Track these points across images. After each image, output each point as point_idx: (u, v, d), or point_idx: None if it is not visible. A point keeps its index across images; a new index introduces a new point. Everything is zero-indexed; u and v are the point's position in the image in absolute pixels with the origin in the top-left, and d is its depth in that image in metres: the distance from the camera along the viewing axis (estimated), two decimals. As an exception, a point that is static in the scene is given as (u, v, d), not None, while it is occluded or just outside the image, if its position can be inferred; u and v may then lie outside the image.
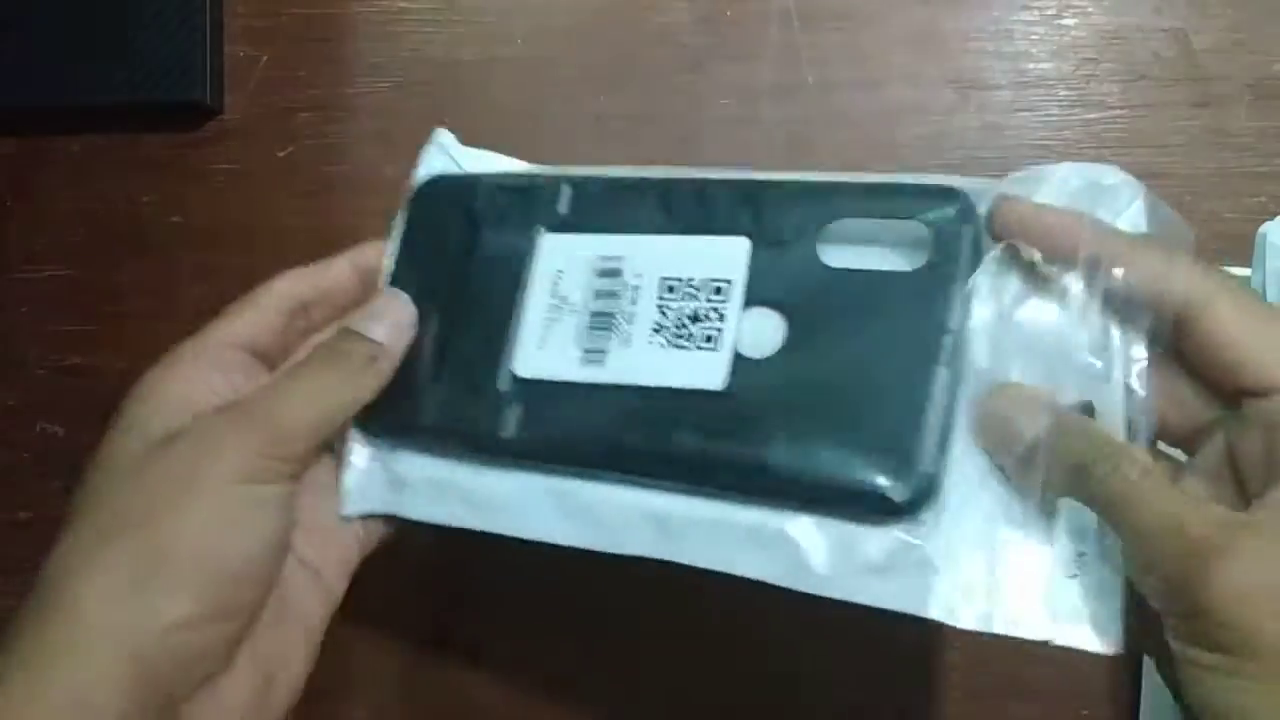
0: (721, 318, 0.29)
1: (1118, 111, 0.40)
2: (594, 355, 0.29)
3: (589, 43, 0.41)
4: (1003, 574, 0.25)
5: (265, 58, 0.42)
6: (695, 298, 0.29)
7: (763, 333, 0.28)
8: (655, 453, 0.28)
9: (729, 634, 0.39)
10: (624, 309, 0.30)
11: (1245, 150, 0.39)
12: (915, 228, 0.27)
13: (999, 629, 0.25)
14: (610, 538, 0.28)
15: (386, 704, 0.40)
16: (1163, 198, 0.39)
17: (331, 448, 0.31)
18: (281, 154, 0.41)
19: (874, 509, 0.26)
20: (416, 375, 0.31)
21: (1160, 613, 0.22)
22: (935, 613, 0.26)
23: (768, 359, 0.28)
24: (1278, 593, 0.20)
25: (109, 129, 0.42)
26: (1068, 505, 0.25)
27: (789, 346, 0.28)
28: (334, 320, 0.31)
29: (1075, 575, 0.25)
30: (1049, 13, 0.40)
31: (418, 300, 0.31)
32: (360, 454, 0.31)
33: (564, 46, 0.41)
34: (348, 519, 0.31)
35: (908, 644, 0.38)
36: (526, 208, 0.31)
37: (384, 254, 0.32)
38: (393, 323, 0.30)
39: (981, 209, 0.27)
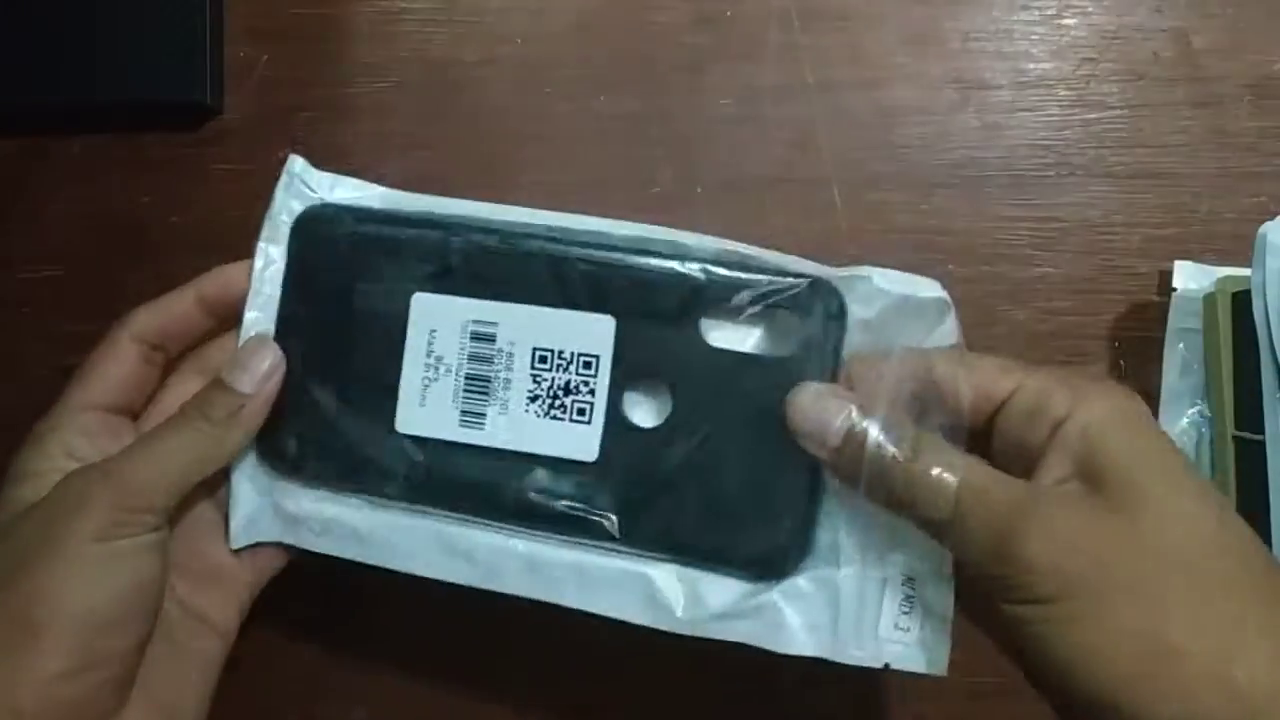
0: (592, 391, 0.31)
1: (1118, 111, 0.40)
2: (472, 418, 0.31)
3: (589, 43, 0.41)
4: (845, 608, 0.29)
5: (265, 58, 0.42)
6: (566, 370, 0.31)
7: (649, 403, 0.31)
8: (530, 509, 0.31)
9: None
10: (499, 374, 0.31)
11: (1245, 150, 0.39)
12: (788, 317, 0.30)
13: (840, 659, 0.29)
14: (486, 576, 0.31)
15: (386, 704, 0.40)
16: (1163, 197, 0.39)
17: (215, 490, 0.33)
18: (281, 154, 0.41)
19: (735, 568, 0.30)
20: (307, 413, 0.32)
21: (985, 588, 0.25)
22: (781, 648, 0.29)
23: (652, 429, 0.31)
24: (1071, 541, 0.24)
25: (109, 129, 0.42)
26: (902, 541, 0.28)
27: (672, 419, 0.31)
28: (190, 350, 0.33)
29: (908, 607, 0.29)
30: (1049, 13, 0.40)
31: (300, 335, 0.32)
32: (248, 490, 0.33)
33: (564, 46, 0.41)
34: (236, 552, 0.33)
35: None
36: (404, 257, 0.32)
37: (244, 281, 0.33)
38: (259, 372, 0.31)
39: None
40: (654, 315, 0.30)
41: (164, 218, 0.41)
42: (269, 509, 0.33)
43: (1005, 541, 0.24)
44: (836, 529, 0.30)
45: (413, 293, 0.32)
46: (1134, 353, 0.38)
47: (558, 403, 0.31)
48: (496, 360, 0.31)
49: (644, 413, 0.31)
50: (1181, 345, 0.37)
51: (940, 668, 0.29)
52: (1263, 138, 0.39)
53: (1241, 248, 0.36)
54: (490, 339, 0.31)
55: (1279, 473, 0.34)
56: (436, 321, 0.31)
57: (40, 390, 0.41)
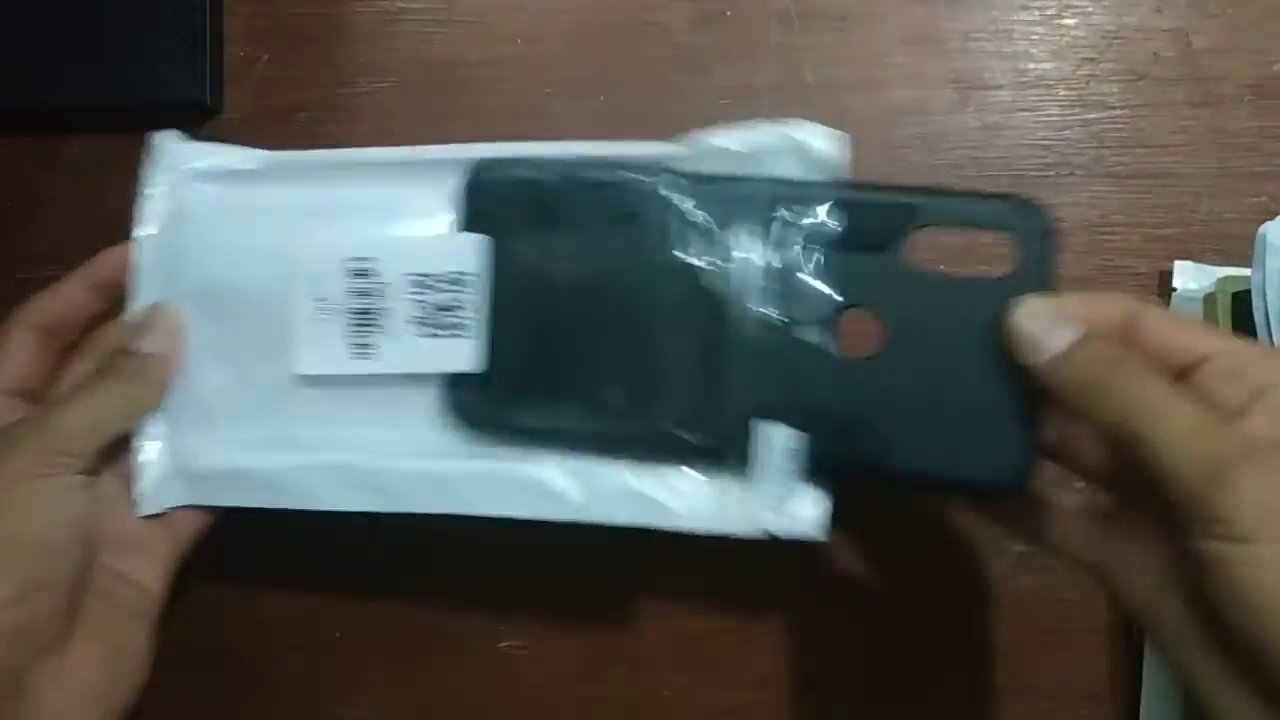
0: (463, 308, 0.32)
1: (1118, 111, 0.40)
2: (363, 350, 0.33)
3: (589, 43, 0.41)
4: (728, 487, 0.31)
5: (265, 58, 0.42)
6: (440, 290, 0.32)
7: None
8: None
9: (732, 638, 0.39)
10: (380, 306, 0.33)
11: (1245, 150, 0.39)
12: (1000, 239, 0.30)
13: (720, 530, 0.30)
14: (398, 501, 0.32)
15: (386, 703, 0.40)
16: (1163, 198, 0.39)
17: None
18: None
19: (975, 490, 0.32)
20: (204, 372, 0.34)
21: (1184, 520, 0.25)
22: (667, 524, 0.31)
23: (869, 357, 0.31)
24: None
25: (109, 129, 0.42)
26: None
27: (890, 345, 0.30)
28: (88, 334, 0.35)
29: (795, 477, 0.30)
30: (1049, 13, 0.40)
31: (187, 299, 0.34)
32: (149, 454, 0.34)
33: (564, 46, 0.41)
34: (147, 518, 0.34)
35: (908, 643, 0.38)
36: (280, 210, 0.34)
37: (128, 260, 0.34)
38: (160, 332, 0.33)
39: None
40: (861, 246, 0.31)
41: (164, 218, 0.41)
42: (174, 473, 0.34)
43: (1222, 474, 0.24)
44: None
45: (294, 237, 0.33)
46: (1134, 353, 0.38)
47: (436, 320, 0.32)
48: (375, 294, 0.33)
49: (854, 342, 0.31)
50: (1181, 345, 0.37)
51: (822, 533, 0.30)
52: (1263, 138, 0.39)
53: (1241, 248, 0.36)
54: (366, 274, 0.33)
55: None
56: (318, 262, 0.33)
57: (40, 390, 0.41)
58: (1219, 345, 0.26)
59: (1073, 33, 0.40)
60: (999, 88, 0.40)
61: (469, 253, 0.32)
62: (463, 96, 0.41)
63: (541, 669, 0.39)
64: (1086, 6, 0.40)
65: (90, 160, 0.42)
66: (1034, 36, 0.40)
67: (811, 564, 0.38)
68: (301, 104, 0.42)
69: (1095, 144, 0.39)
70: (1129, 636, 0.37)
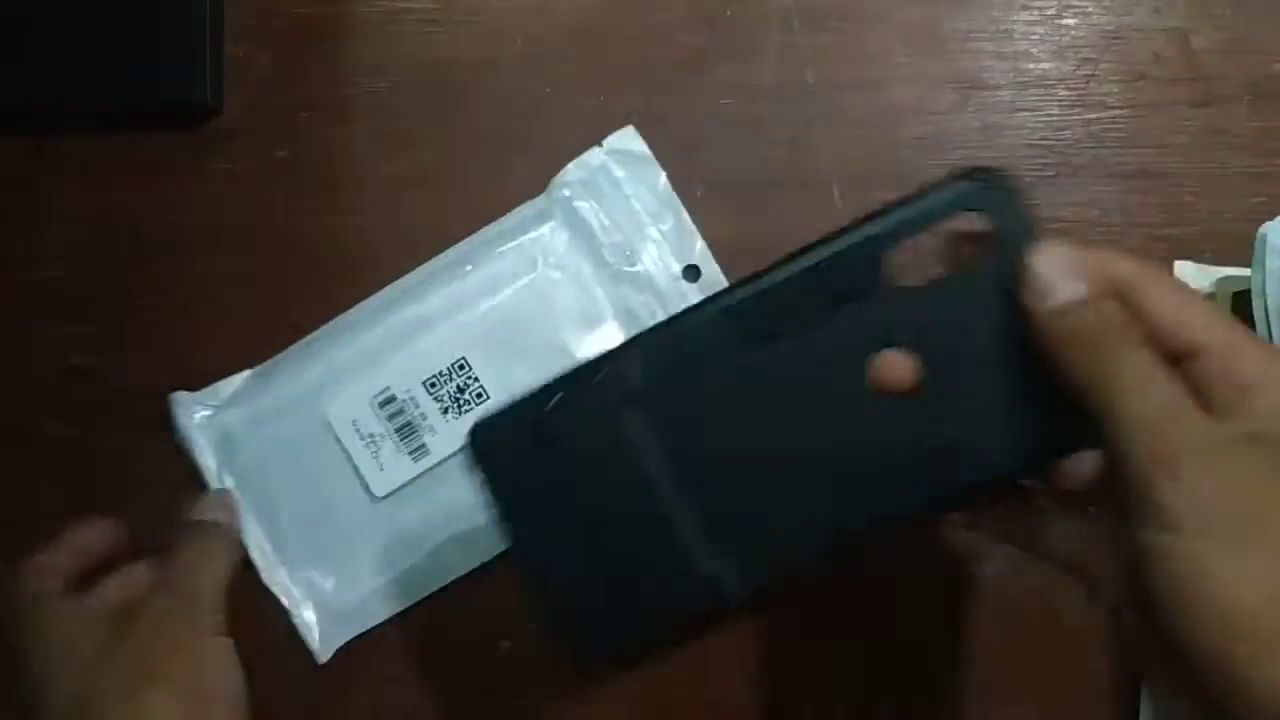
0: (476, 379, 0.39)
1: (1118, 111, 0.40)
2: (418, 451, 0.39)
3: (589, 42, 0.41)
4: None
5: (265, 58, 0.42)
6: (451, 380, 0.39)
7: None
8: None
9: (732, 638, 0.39)
10: (414, 414, 0.39)
11: (1245, 150, 0.39)
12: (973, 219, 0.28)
13: None
14: (492, 548, 0.39)
15: (387, 704, 0.40)
16: (1163, 197, 0.39)
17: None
18: (281, 154, 0.41)
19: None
20: (309, 537, 0.40)
21: (1127, 505, 0.24)
22: None
23: (913, 394, 0.28)
24: (1238, 487, 0.24)
25: (109, 129, 0.42)
26: None
27: (930, 375, 0.28)
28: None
29: None
30: (1049, 13, 0.40)
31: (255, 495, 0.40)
32: (309, 616, 0.39)
33: (564, 46, 0.41)
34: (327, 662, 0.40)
35: (908, 644, 0.38)
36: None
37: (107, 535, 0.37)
38: (222, 506, 0.39)
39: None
40: (845, 291, 0.29)
41: (164, 218, 0.41)
42: (332, 617, 0.39)
43: (1174, 463, 0.24)
44: None
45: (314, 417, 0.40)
46: (1134, 353, 0.38)
47: (459, 401, 0.39)
48: (406, 408, 0.39)
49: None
50: (1181, 345, 0.37)
51: None
52: (1263, 138, 0.39)
53: (1241, 248, 0.36)
54: (392, 399, 0.39)
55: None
56: (350, 412, 0.39)
57: (40, 390, 0.41)
58: (1216, 337, 0.26)
59: (1073, 33, 0.40)
60: (999, 88, 0.40)
61: (452, 343, 0.39)
62: (463, 96, 0.41)
63: (542, 669, 0.39)
64: (1086, 6, 0.40)
65: (90, 160, 0.42)
66: (1034, 36, 0.40)
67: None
68: (301, 104, 0.42)
69: (1095, 144, 0.39)
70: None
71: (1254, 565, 0.23)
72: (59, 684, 0.33)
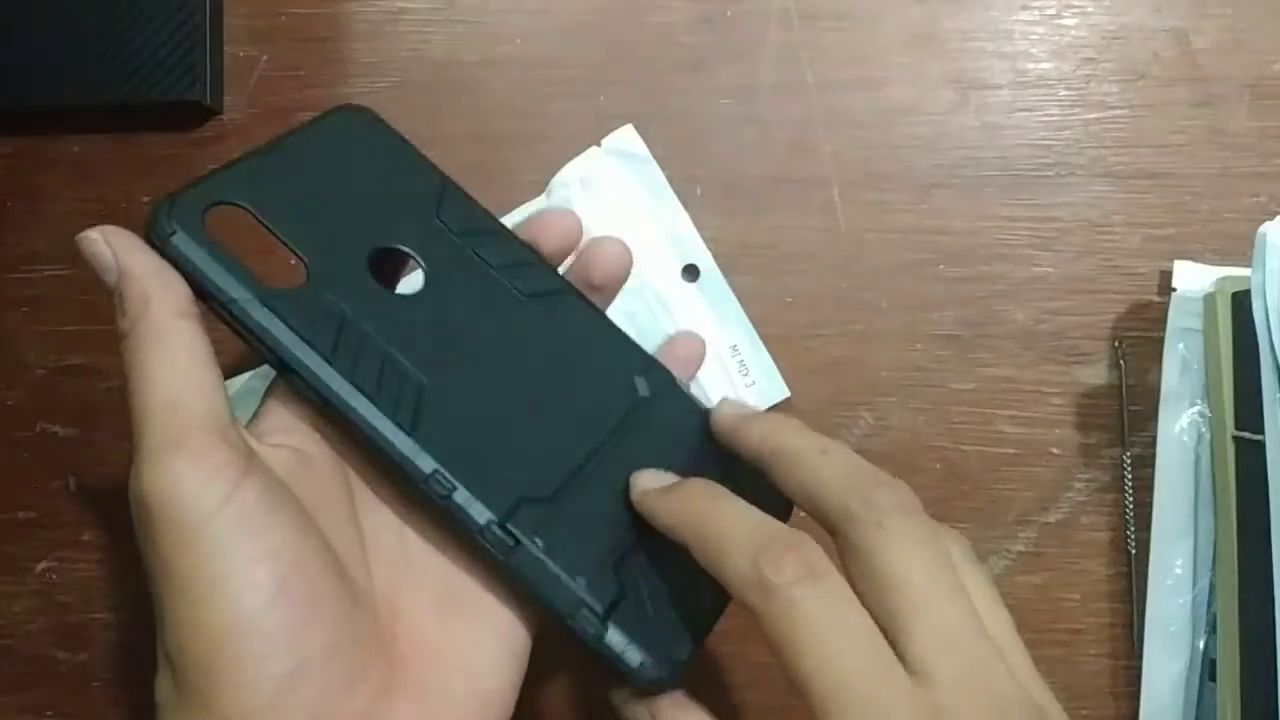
0: None
1: (1118, 111, 0.40)
2: None
3: (589, 42, 0.41)
4: None
5: (265, 58, 0.42)
6: None
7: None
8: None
9: (732, 638, 0.39)
10: None
11: (1245, 150, 0.39)
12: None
13: None
14: None
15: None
16: (1163, 197, 0.39)
17: None
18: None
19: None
20: None
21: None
22: None
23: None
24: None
25: (109, 129, 0.42)
26: None
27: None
28: None
29: None
30: (1049, 13, 0.40)
31: None
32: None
33: (564, 46, 0.41)
34: None
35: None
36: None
37: None
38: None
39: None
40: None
41: (164, 218, 0.41)
42: None
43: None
44: None
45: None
46: (1134, 353, 0.38)
47: None
48: None
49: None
50: (1181, 345, 0.37)
51: None
52: (1263, 138, 0.39)
53: (1241, 248, 0.36)
54: None
55: (1279, 473, 0.34)
56: None
57: (40, 390, 0.41)
58: (827, 489, 0.27)
59: (1073, 33, 0.40)
60: (999, 88, 0.40)
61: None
62: (463, 96, 0.41)
63: (541, 669, 0.39)
64: (1086, 6, 0.40)
65: (90, 160, 0.42)
66: (1034, 36, 0.40)
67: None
68: (301, 104, 0.42)
69: (1095, 144, 0.39)
70: (1129, 636, 0.37)
71: None
72: None
